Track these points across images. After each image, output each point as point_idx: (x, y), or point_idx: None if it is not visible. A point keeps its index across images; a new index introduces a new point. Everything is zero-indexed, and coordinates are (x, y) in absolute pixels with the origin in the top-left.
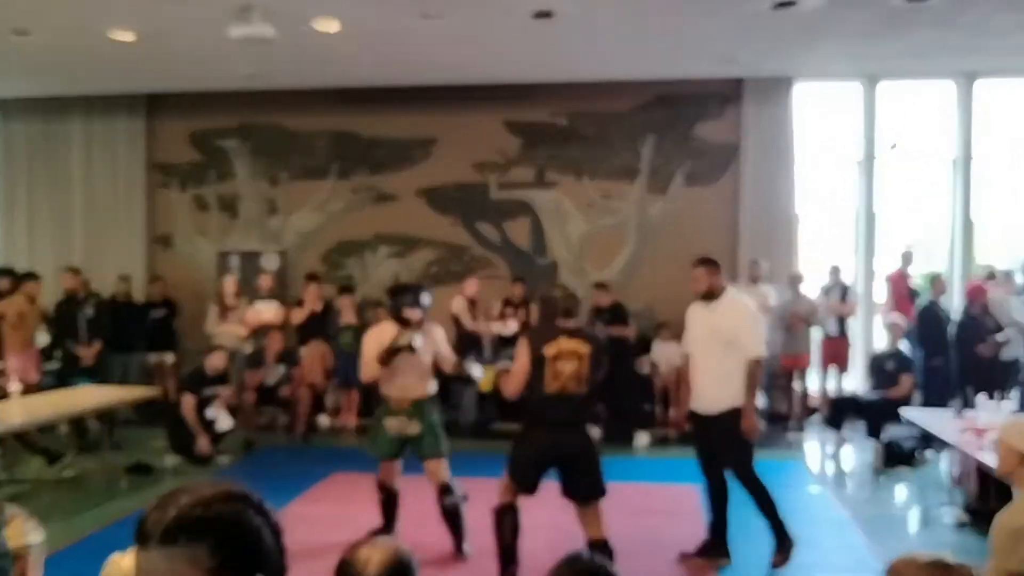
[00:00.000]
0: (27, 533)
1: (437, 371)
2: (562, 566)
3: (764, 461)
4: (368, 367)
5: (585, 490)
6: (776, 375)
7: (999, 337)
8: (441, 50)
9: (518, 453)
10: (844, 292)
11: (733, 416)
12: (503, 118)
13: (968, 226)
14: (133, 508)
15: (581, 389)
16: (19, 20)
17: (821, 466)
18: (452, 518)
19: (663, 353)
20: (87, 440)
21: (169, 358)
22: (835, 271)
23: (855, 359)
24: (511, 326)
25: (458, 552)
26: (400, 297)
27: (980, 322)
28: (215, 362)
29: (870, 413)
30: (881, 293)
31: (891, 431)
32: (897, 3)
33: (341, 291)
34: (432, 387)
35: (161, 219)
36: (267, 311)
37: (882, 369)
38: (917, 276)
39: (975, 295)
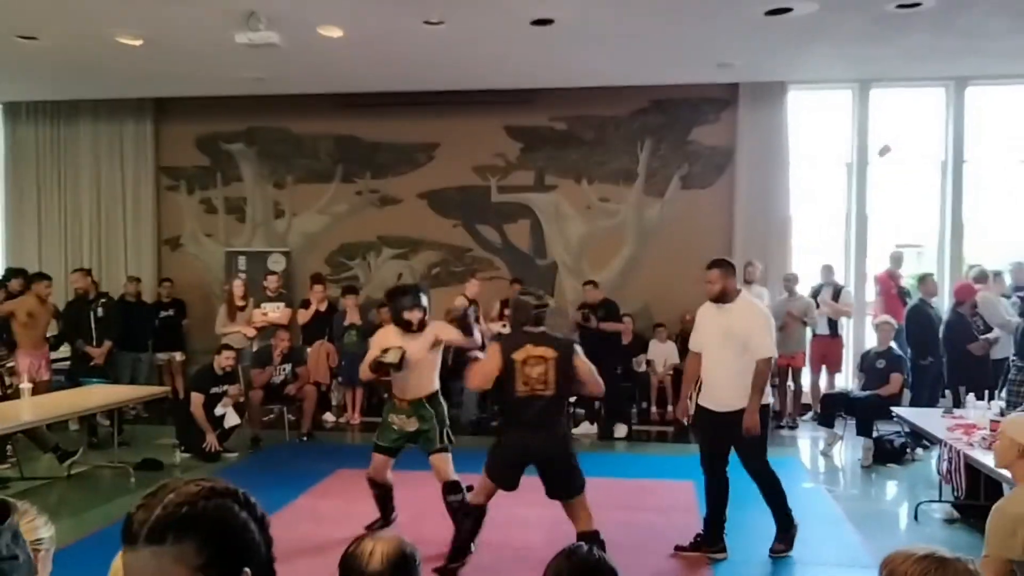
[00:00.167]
0: (37, 528)
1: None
2: (560, 559)
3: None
4: (363, 370)
5: (560, 489)
6: (772, 374)
7: (990, 336)
8: (443, 56)
9: (495, 453)
10: (837, 292)
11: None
12: (503, 122)
13: (958, 228)
14: None
15: (549, 391)
16: (28, 25)
17: (813, 463)
18: (456, 515)
19: (659, 352)
20: (97, 437)
21: (178, 357)
22: (828, 270)
23: (847, 358)
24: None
25: None
26: (399, 300)
27: (968, 322)
28: (223, 361)
29: (861, 411)
30: (871, 294)
31: (882, 428)
32: (889, 9)
33: (345, 292)
34: (431, 387)
35: (169, 221)
36: (273, 311)
37: (873, 368)
38: (908, 277)
39: (963, 295)
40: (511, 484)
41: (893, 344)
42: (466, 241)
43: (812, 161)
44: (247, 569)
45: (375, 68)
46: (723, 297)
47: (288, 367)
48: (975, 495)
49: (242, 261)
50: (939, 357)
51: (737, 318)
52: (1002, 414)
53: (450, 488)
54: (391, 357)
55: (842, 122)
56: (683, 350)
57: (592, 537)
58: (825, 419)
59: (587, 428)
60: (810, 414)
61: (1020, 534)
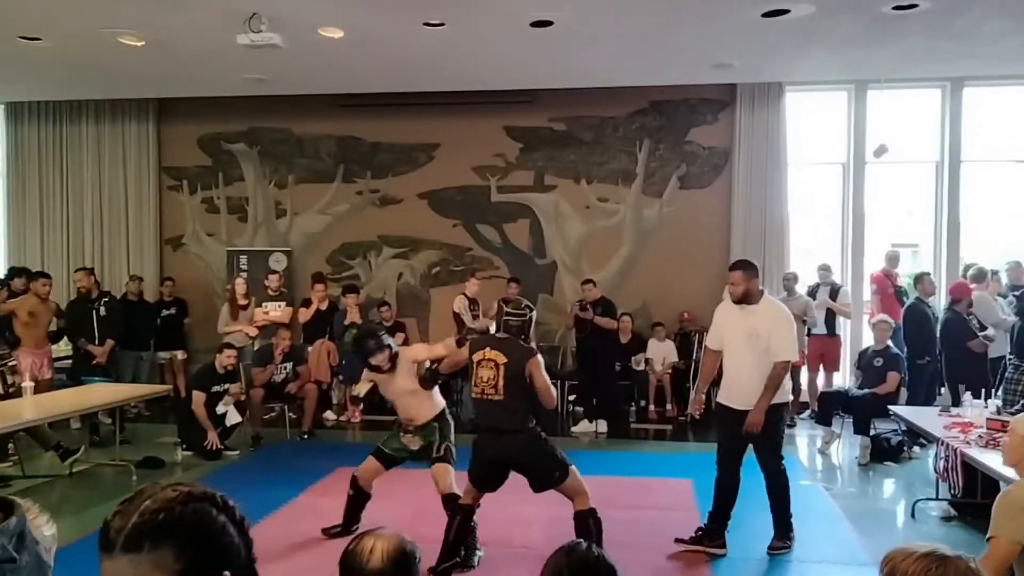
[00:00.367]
0: (39, 527)
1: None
2: (559, 556)
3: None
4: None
5: (540, 483)
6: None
7: (988, 333)
8: (443, 57)
9: (472, 456)
10: (834, 291)
11: (771, 412)
12: (503, 123)
13: (954, 228)
14: None
15: (497, 396)
16: (31, 26)
17: (811, 461)
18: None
19: (658, 351)
20: (99, 436)
21: (179, 356)
22: (825, 269)
23: (844, 357)
24: None
25: None
26: (363, 349)
27: (966, 320)
28: (224, 360)
29: (858, 409)
30: (868, 293)
31: (879, 427)
32: (886, 11)
33: (346, 291)
34: (436, 408)
35: (171, 221)
36: (274, 310)
37: (870, 366)
38: (905, 276)
39: (959, 294)
40: (487, 486)
41: (890, 343)
42: (466, 241)
43: (809, 161)
44: (227, 572)
45: (376, 69)
46: (746, 298)
47: (289, 366)
48: (972, 493)
49: (244, 260)
50: (936, 356)
51: (762, 320)
52: (998, 412)
53: (450, 500)
54: (360, 391)
55: (839, 123)
56: (681, 349)
57: (588, 515)
58: (823, 417)
59: (585, 426)
60: (808, 412)
61: (1019, 519)
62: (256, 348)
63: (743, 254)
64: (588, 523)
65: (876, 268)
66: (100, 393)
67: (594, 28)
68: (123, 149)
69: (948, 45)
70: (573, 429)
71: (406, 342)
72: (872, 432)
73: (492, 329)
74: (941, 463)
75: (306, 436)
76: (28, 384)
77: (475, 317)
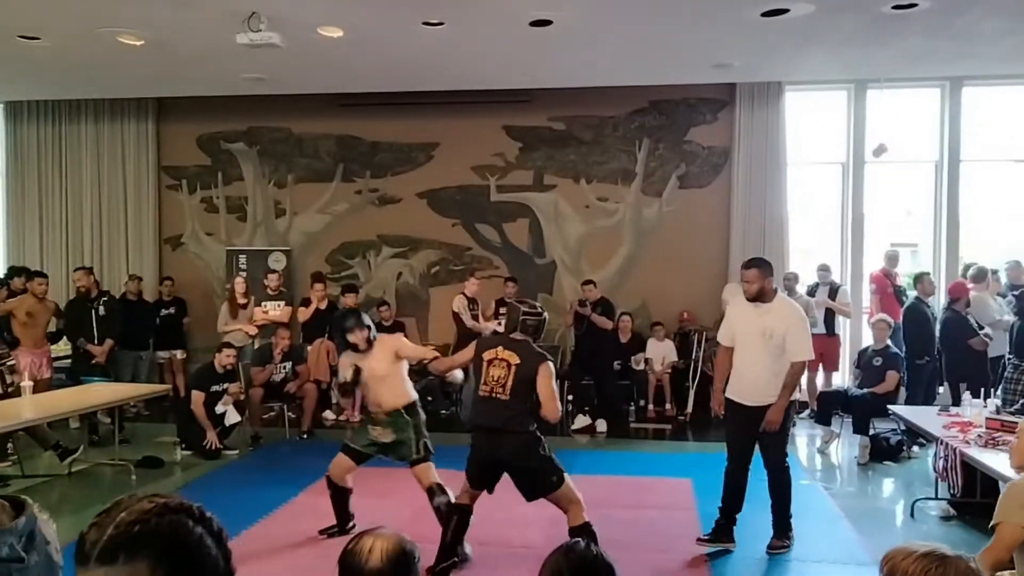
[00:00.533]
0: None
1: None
2: (558, 555)
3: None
4: (336, 395)
5: (530, 491)
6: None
7: (988, 331)
8: (442, 56)
9: (469, 455)
10: (834, 291)
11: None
12: (502, 122)
13: (954, 227)
14: None
15: (505, 395)
16: (30, 25)
17: (810, 460)
18: (443, 517)
19: (657, 351)
20: (98, 435)
21: (178, 355)
22: (824, 269)
23: (844, 356)
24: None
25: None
26: (342, 326)
27: (965, 319)
28: (223, 359)
29: (858, 409)
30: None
31: (878, 426)
32: (886, 10)
33: (345, 290)
34: (407, 397)
35: (170, 220)
36: (274, 309)
37: (870, 366)
38: (904, 276)
39: (957, 293)
40: (482, 485)
41: (889, 342)
42: (465, 240)
43: (809, 161)
44: None
45: (375, 68)
46: (761, 297)
47: (288, 365)
48: (971, 493)
49: (243, 260)
50: (935, 355)
51: (776, 319)
52: (997, 412)
53: (434, 492)
54: (346, 375)
55: (838, 122)
56: (681, 348)
57: (582, 530)
58: (822, 417)
59: (582, 420)
60: (807, 412)
61: None
62: (255, 348)
63: (743, 254)
64: (586, 536)
65: (875, 268)
66: (99, 393)
67: (593, 28)
68: (122, 148)
69: (948, 45)
70: (573, 428)
71: None
72: (871, 432)
73: (488, 326)
74: (940, 463)
75: (305, 436)
76: (27, 384)
77: (474, 317)
